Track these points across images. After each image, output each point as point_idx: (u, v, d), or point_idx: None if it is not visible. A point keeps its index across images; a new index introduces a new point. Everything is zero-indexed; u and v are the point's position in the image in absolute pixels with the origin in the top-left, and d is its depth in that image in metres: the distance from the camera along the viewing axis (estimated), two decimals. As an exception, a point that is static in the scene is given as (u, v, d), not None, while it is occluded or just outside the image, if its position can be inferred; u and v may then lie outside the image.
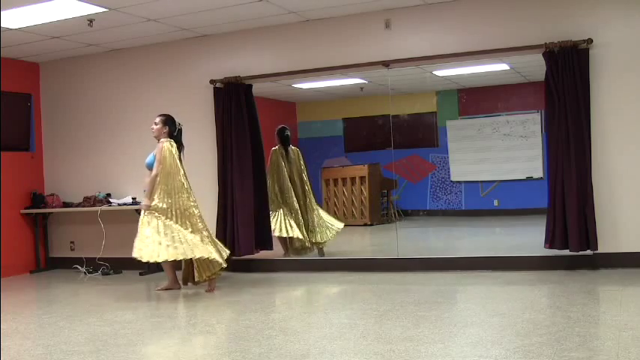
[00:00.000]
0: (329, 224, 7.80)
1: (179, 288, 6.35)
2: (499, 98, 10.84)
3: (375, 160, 10.30)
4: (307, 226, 7.66)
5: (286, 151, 7.75)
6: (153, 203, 6.01)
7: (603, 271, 6.00)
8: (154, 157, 6.14)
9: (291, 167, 7.73)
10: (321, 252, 7.65)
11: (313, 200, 7.86)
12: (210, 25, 6.99)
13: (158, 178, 6.05)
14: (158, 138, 6.21)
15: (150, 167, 6.16)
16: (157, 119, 6.26)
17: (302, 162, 7.89)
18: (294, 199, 7.60)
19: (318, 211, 7.80)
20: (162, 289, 6.36)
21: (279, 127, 7.81)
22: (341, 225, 7.89)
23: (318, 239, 7.65)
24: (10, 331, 4.86)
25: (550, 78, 6.06)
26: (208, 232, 6.22)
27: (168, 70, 7.67)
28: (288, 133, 7.81)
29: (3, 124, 7.59)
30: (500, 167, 10.77)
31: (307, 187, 7.82)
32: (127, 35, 7.19)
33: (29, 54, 7.83)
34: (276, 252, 7.47)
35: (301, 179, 7.78)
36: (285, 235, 7.46)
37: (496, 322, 4.40)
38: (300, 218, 7.58)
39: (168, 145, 6.11)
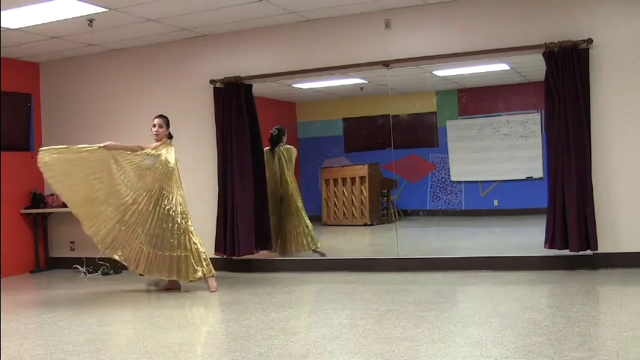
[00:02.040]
0: (307, 237, 7.64)
1: (179, 288, 6.35)
2: (499, 98, 10.83)
3: (375, 160, 10.29)
4: (284, 234, 7.59)
5: (273, 151, 7.72)
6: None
7: (603, 271, 6.00)
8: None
9: (279, 168, 7.67)
10: (318, 252, 7.61)
11: (298, 206, 7.70)
12: (210, 25, 6.99)
13: (138, 153, 6.12)
14: (160, 140, 6.22)
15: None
16: (159, 121, 6.26)
17: (288, 162, 7.77)
18: (276, 205, 7.56)
19: (295, 220, 7.64)
20: (162, 290, 6.36)
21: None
22: (310, 248, 7.66)
23: (292, 250, 7.58)
24: (10, 331, 4.86)
25: (550, 78, 6.06)
26: (186, 249, 6.14)
27: (169, 70, 7.68)
28: (273, 132, 7.74)
29: (3, 124, 7.59)
30: (500, 167, 10.76)
31: (292, 188, 7.70)
32: (127, 35, 7.19)
33: (29, 54, 7.83)
34: (276, 252, 7.48)
35: (287, 181, 7.69)
36: None
37: (496, 322, 4.40)
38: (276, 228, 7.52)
39: (168, 147, 6.18)
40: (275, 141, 7.73)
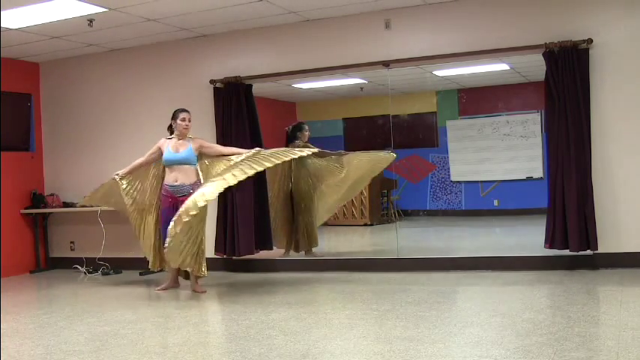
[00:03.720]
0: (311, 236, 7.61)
1: (178, 286, 6.35)
2: (499, 98, 10.85)
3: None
4: (296, 232, 7.56)
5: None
6: None
7: (603, 271, 6.00)
8: (190, 152, 6.10)
9: (290, 166, 7.59)
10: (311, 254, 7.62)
11: (306, 204, 7.61)
12: (210, 25, 6.99)
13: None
14: (185, 136, 6.18)
15: (187, 162, 6.09)
16: (190, 116, 6.21)
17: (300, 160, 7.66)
18: (285, 203, 7.56)
19: (305, 218, 7.58)
20: (162, 289, 6.36)
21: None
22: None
23: (302, 247, 7.56)
24: (10, 331, 4.86)
25: (550, 78, 6.06)
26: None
27: (169, 70, 7.68)
28: (287, 129, 7.70)
29: (3, 124, 7.59)
30: (500, 167, 10.77)
31: (306, 186, 7.61)
32: (127, 35, 7.19)
33: (29, 54, 7.83)
34: (276, 252, 7.47)
35: (300, 180, 7.63)
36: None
37: (496, 322, 4.40)
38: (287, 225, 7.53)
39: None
40: (289, 139, 7.63)
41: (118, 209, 6.72)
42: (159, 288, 6.42)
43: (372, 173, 7.75)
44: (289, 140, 7.64)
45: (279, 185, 7.57)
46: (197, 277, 6.17)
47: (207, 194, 5.69)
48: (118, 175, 6.33)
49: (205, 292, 6.15)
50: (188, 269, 6.14)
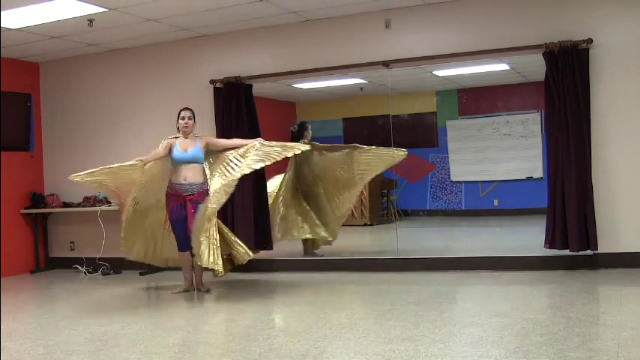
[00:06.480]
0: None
1: (193, 289, 6.19)
2: (499, 98, 10.85)
3: (375, 160, 10.28)
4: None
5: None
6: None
7: (603, 271, 6.00)
8: (198, 150, 6.06)
9: (300, 165, 7.62)
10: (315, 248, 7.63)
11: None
12: (210, 25, 7.00)
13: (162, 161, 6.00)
14: (188, 134, 6.13)
15: (195, 161, 6.05)
16: (189, 114, 6.15)
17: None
18: (291, 198, 7.55)
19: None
20: (178, 292, 6.15)
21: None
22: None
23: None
24: (10, 331, 4.85)
25: (550, 78, 6.06)
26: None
27: (169, 70, 7.68)
28: (293, 129, 7.64)
29: (3, 124, 7.59)
30: (500, 167, 10.77)
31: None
32: (127, 35, 7.20)
33: (29, 54, 7.83)
34: (276, 252, 7.46)
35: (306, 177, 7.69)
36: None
37: (496, 322, 4.40)
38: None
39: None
40: (295, 138, 7.50)
41: (114, 194, 6.17)
42: (175, 291, 6.17)
43: (379, 170, 7.68)
44: (296, 139, 7.55)
45: (290, 183, 7.54)
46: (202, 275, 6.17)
47: (218, 192, 5.78)
48: (141, 160, 5.91)
49: (209, 291, 6.13)
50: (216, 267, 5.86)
